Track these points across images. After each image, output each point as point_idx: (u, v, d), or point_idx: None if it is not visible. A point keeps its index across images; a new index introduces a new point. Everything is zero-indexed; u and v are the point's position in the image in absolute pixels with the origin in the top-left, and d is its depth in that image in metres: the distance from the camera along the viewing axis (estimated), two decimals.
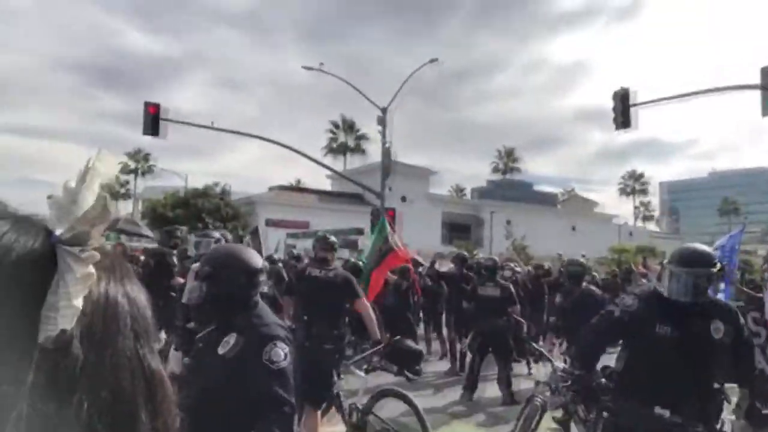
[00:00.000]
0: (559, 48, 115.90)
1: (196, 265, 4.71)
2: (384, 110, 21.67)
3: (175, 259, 7.59)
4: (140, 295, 0.56)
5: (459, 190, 70.74)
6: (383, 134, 21.63)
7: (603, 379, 3.34)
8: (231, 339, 2.27)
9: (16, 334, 0.45)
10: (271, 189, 45.11)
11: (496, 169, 64.49)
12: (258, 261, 2.50)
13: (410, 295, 9.57)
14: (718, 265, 3.05)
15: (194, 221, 28.90)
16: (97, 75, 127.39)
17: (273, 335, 2.25)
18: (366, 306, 5.52)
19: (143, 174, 66.97)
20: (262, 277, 2.50)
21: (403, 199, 39.53)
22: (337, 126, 56.44)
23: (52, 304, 0.46)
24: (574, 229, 48.80)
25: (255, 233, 8.48)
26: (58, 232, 0.50)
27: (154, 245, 11.32)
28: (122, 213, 63.46)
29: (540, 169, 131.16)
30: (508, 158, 64.16)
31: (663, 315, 3.05)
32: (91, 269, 0.49)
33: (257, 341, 2.22)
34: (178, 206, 33.82)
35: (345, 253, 15.18)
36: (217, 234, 6.12)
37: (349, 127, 55.91)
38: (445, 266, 11.19)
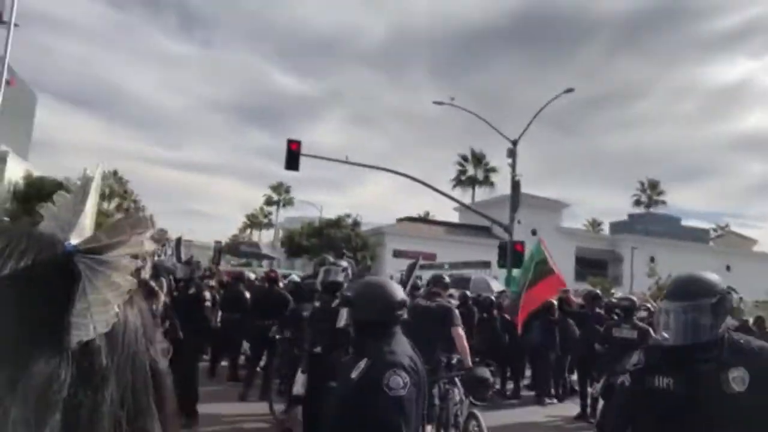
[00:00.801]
0: (712, 71, 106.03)
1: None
2: (514, 143, 21.37)
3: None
4: (144, 305, 0.63)
5: (595, 224, 66.98)
6: (513, 167, 21.29)
7: None
8: (362, 364, 2.37)
9: (46, 338, 0.50)
10: (399, 220, 46.02)
11: (638, 202, 60.18)
12: (399, 294, 2.57)
13: (554, 331, 9.49)
14: (718, 295, 2.35)
15: (327, 250, 30.26)
16: (248, 114, 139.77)
17: (395, 363, 2.30)
18: (460, 335, 6.01)
19: (284, 205, 71.89)
20: (401, 311, 2.56)
21: (533, 232, 38.27)
22: (465, 159, 56.45)
23: (81, 310, 0.51)
24: (728, 268, 43.85)
25: (411, 267, 8.75)
26: (73, 242, 0.54)
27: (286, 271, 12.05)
28: (264, 241, 68.17)
29: (687, 202, 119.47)
30: (652, 190, 59.64)
31: (664, 364, 2.43)
32: (124, 277, 0.53)
33: (380, 367, 2.29)
34: (313, 235, 35.65)
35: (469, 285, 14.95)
36: (344, 263, 6.39)
37: (478, 159, 55.65)
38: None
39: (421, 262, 9.60)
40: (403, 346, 2.45)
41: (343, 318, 2.80)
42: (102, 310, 0.52)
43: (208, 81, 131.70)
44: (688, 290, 2.39)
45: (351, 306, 2.53)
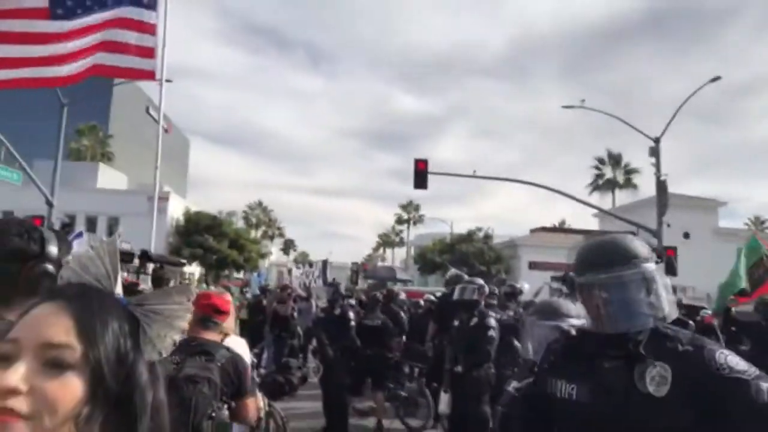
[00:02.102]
0: None
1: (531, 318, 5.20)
2: (656, 140, 19.83)
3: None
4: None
5: (758, 222, 59.66)
6: (657, 166, 19.73)
7: None
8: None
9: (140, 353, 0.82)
10: (532, 231, 44.53)
11: None
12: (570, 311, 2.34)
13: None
14: (644, 265, 1.68)
15: (459, 265, 30.08)
16: (375, 137, 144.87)
17: None
18: None
19: (414, 223, 72.99)
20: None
21: (686, 235, 35.02)
22: (602, 162, 53.34)
23: (145, 339, 0.83)
24: None
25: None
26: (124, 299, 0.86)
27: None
28: (397, 259, 69.29)
29: None
30: None
31: (564, 365, 1.80)
32: (175, 321, 0.86)
33: None
34: (445, 251, 35.66)
35: None
36: (480, 281, 6.31)
37: (616, 161, 52.30)
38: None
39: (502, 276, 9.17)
40: None
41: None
42: (159, 342, 0.84)
43: (337, 111, 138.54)
44: (610, 258, 1.72)
45: None
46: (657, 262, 1.74)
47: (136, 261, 6.66)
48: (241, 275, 34.39)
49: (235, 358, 2.81)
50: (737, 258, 8.74)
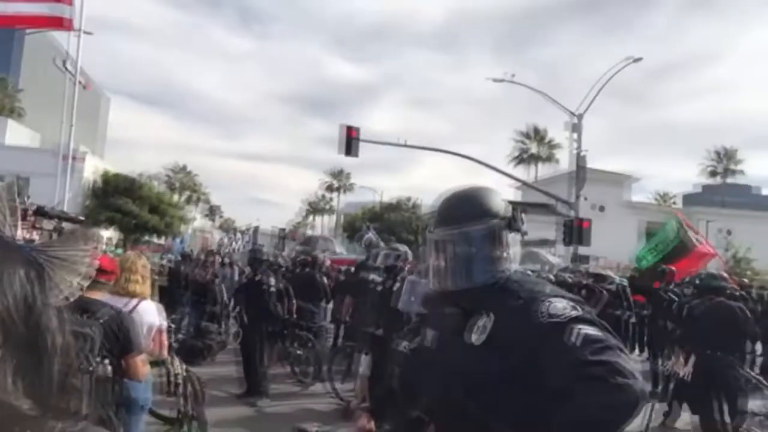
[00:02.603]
0: None
1: (411, 277, 5.21)
2: (578, 116, 20.71)
3: None
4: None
5: (665, 197, 63.99)
6: (577, 141, 20.66)
7: None
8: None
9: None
10: None
11: (713, 173, 56.87)
12: None
13: None
14: (493, 221, 1.67)
15: (387, 234, 30.43)
16: (305, 103, 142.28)
17: None
18: None
19: (344, 191, 72.90)
20: None
21: (601, 208, 37.04)
22: (527, 136, 55.13)
23: (51, 285, 0.80)
24: None
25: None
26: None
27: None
28: (326, 228, 69.23)
29: (766, 171, 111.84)
30: (728, 160, 56.18)
31: (429, 316, 1.98)
32: (80, 266, 0.86)
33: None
34: (373, 220, 35.94)
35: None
36: (402, 247, 6.45)
37: (540, 136, 54.22)
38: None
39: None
40: None
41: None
42: (66, 286, 0.84)
43: (268, 74, 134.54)
44: (453, 214, 1.72)
45: None
46: (507, 218, 1.70)
47: (31, 218, 6.26)
48: (162, 241, 33.25)
49: (119, 317, 2.94)
50: (656, 234, 9.31)
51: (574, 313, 1.52)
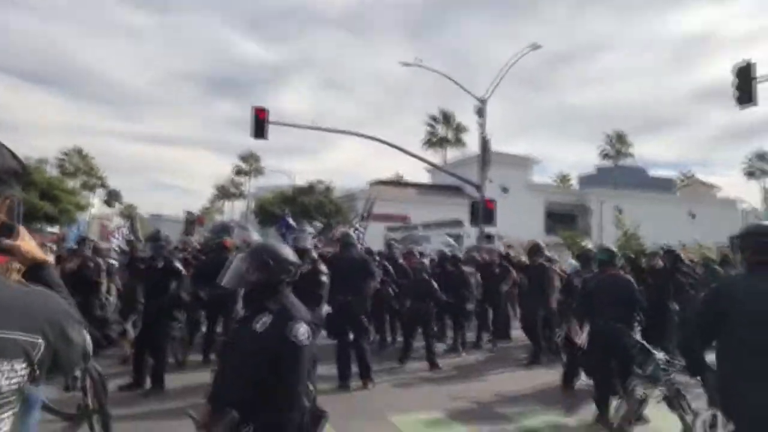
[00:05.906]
0: (677, 22, 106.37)
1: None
2: (483, 101, 21.35)
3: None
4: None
5: (564, 179, 67.94)
6: (482, 125, 21.33)
7: None
8: (264, 317, 2.53)
9: None
10: (371, 184, 46.01)
11: (606, 156, 61.02)
12: (290, 256, 2.72)
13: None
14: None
15: (300, 217, 30.10)
16: (212, 83, 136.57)
17: (295, 316, 2.52)
18: None
19: (255, 175, 71.06)
20: (291, 272, 2.69)
21: (504, 189, 38.68)
22: (436, 119, 56.33)
23: None
24: (693, 216, 45.19)
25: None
26: None
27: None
28: (236, 212, 67.25)
29: (654, 154, 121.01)
30: (620, 143, 60.45)
31: None
32: None
33: (284, 320, 2.49)
34: (285, 203, 35.41)
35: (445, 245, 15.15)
36: (310, 228, 6.42)
37: (448, 120, 55.59)
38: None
39: (396, 224, 9.64)
40: (297, 303, 2.62)
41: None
42: None
43: (171, 52, 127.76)
44: None
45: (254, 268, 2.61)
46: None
47: None
48: (55, 229, 30.96)
49: None
50: None
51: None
